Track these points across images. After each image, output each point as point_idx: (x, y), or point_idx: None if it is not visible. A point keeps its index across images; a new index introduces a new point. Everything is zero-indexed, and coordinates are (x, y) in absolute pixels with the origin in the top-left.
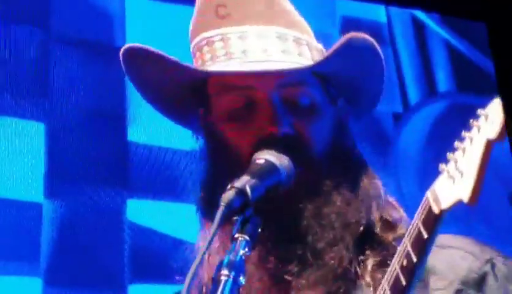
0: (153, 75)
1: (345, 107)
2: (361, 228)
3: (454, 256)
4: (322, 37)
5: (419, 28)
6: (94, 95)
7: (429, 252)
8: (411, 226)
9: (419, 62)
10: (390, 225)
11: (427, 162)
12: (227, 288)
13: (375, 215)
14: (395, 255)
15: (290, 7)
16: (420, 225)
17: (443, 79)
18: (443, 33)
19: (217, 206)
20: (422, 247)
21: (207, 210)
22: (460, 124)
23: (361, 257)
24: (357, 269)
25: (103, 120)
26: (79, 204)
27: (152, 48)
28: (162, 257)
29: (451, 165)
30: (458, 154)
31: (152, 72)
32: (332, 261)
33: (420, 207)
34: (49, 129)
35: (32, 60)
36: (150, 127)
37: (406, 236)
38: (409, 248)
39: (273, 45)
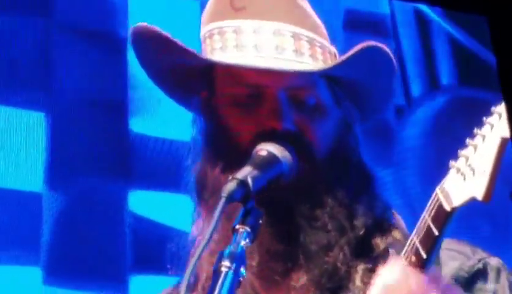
0: (160, 56)
1: (351, 110)
2: (357, 234)
3: (444, 257)
4: (325, 29)
5: (421, 21)
6: (96, 85)
7: (439, 248)
8: (419, 223)
9: (421, 55)
10: (385, 232)
11: (429, 156)
12: (228, 280)
13: (371, 222)
14: (402, 253)
15: (308, 8)
16: (430, 222)
17: (445, 73)
18: (446, 26)
19: (210, 190)
20: (432, 243)
21: (200, 193)
22: (462, 118)
23: (353, 262)
24: (349, 274)
25: (104, 111)
26: (80, 194)
27: (164, 33)
28: (164, 248)
29: (462, 161)
30: (469, 151)
31: (160, 53)
32: (326, 266)
33: (429, 204)
34: (50, 119)
35: (34, 50)
36: (152, 118)
37: (414, 233)
38: (418, 244)
39: (286, 43)
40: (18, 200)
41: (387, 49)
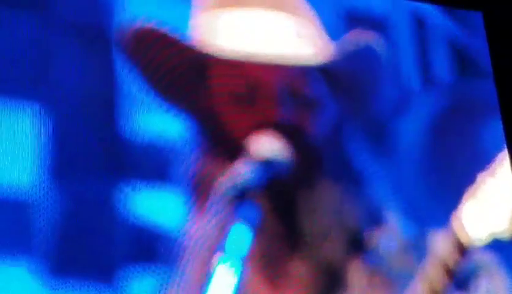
0: (158, 54)
1: (345, 104)
2: (352, 227)
3: None
4: (326, 26)
5: (419, 18)
6: (89, 83)
7: (455, 276)
8: (435, 253)
9: (418, 52)
10: (378, 228)
11: (426, 153)
12: (228, 277)
13: (365, 218)
14: (420, 279)
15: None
16: (447, 254)
17: (442, 70)
18: (443, 22)
19: (207, 186)
20: (450, 275)
21: (196, 189)
22: (459, 114)
23: (348, 254)
24: (344, 266)
25: (97, 108)
26: (72, 192)
27: (164, 30)
28: (159, 246)
29: (480, 190)
30: (487, 178)
31: (158, 51)
32: (323, 255)
33: (446, 236)
34: (43, 116)
35: (29, 46)
36: (147, 115)
37: (429, 263)
38: (435, 275)
39: (284, 34)
40: (8, 197)
41: (379, 41)
